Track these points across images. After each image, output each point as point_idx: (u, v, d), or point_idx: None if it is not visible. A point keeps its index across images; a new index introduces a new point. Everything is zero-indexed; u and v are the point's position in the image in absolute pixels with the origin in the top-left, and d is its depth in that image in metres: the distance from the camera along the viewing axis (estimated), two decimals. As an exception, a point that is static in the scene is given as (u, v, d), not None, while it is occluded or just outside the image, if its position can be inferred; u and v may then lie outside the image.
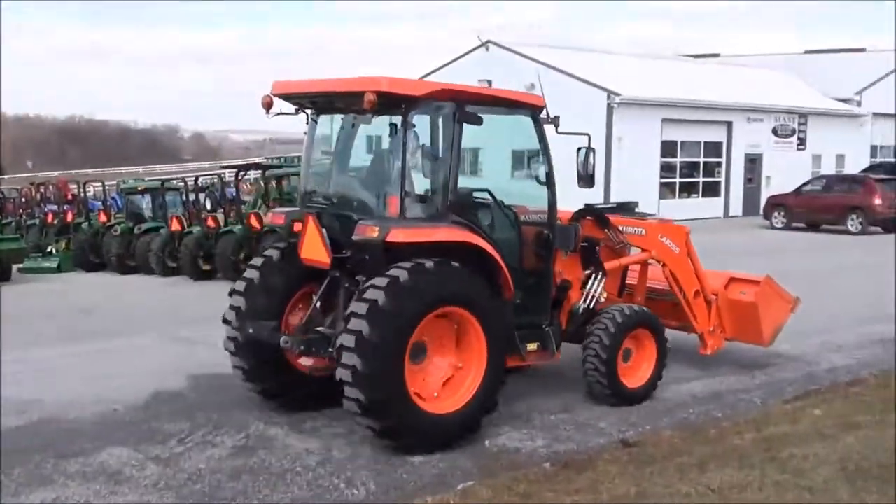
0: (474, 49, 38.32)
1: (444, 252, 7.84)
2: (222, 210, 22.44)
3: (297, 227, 8.64)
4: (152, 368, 10.90)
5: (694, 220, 33.83)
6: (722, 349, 10.80)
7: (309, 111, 8.76)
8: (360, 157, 8.93)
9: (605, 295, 9.74)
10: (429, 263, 7.68)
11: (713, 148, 37.56)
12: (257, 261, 8.85)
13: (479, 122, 8.17)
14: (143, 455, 7.84)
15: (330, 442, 8.19)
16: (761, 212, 34.45)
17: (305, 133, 8.93)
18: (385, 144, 8.33)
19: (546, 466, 7.50)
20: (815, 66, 47.69)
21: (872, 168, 39.03)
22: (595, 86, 33.10)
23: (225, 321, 8.79)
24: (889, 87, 44.90)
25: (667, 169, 35.52)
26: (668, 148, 35.42)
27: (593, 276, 9.68)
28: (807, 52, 54.96)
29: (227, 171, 31.24)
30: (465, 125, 7.99)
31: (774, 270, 11.89)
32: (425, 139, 8.20)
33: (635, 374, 9.58)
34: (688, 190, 36.62)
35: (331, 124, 8.84)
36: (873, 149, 45.47)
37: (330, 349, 7.91)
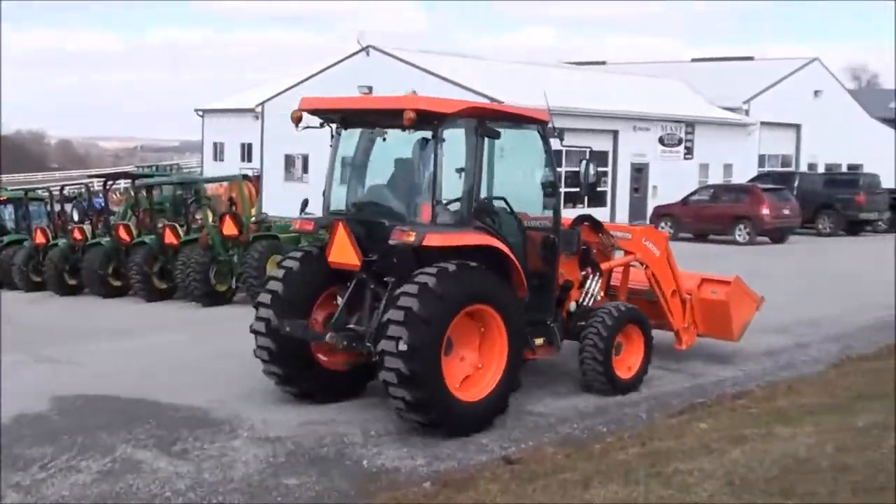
0: (355, 54, 38.29)
1: (467, 254, 9.12)
2: (90, 221, 21.88)
3: (300, 227, 10.20)
4: (14, 390, 10.67)
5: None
6: (693, 345, 12.24)
7: (334, 125, 9.95)
8: (385, 168, 10.08)
9: (601, 294, 11.31)
10: (452, 267, 8.89)
11: (599, 157, 38.40)
12: (278, 272, 9.99)
13: (497, 136, 9.67)
14: (3, 483, 7.65)
15: (201, 464, 8.13)
16: (648, 222, 35.38)
17: (331, 146, 10.08)
18: (404, 157, 9.76)
19: (426, 486, 7.56)
20: (703, 74, 49.37)
21: (760, 177, 40.63)
22: (477, 93, 33.34)
23: (254, 332, 9.88)
24: (777, 96, 46.83)
25: (553, 178, 36.13)
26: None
27: (591, 276, 11.16)
28: (694, 60, 56.81)
29: (95, 180, 30.34)
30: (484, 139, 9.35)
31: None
32: (451, 152, 9.25)
33: (625, 366, 10.95)
34: (573, 199, 37.15)
35: (354, 138, 10.06)
36: (761, 158, 47.36)
37: (368, 343, 9.16)
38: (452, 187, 9.36)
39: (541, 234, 10.44)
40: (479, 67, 38.77)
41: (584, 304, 11.04)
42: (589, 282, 11.16)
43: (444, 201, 9.41)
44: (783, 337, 14.43)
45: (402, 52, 37.14)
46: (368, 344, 9.15)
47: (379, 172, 10.21)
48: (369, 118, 9.88)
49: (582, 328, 10.74)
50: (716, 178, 42.94)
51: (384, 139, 10.11)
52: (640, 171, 39.78)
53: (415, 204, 9.65)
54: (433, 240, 8.98)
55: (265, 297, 9.92)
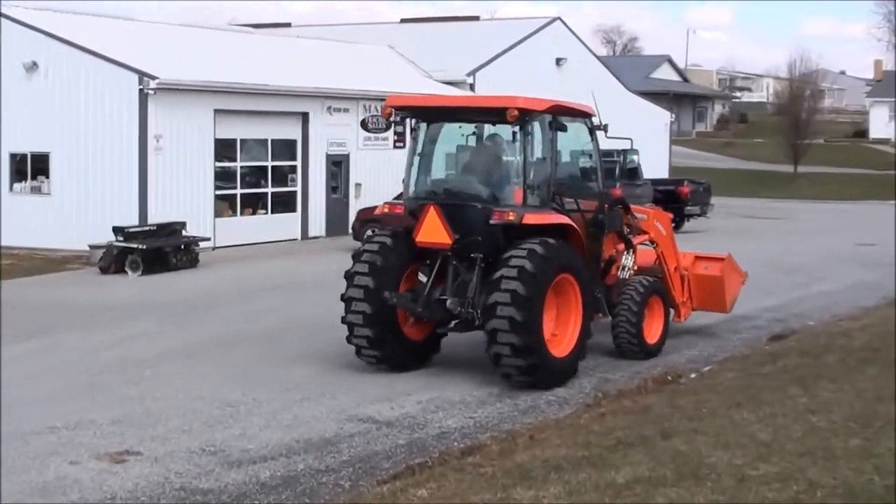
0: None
1: (544, 232, 14.72)
2: None
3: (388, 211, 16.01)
4: None
5: (264, 245, 34.45)
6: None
7: (416, 120, 16.27)
8: (467, 158, 16.19)
9: (635, 268, 16.97)
10: (539, 248, 14.34)
11: (285, 148, 38.35)
12: (372, 246, 15.38)
13: (565, 129, 15.57)
14: None
15: None
16: (350, 230, 35.61)
17: (413, 138, 16.29)
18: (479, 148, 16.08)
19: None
20: (416, 38, 50.12)
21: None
22: (122, 65, 32.33)
23: (350, 298, 15.21)
24: (509, 65, 48.78)
25: (224, 177, 35.56)
26: (225, 149, 35.56)
27: (626, 252, 16.89)
28: (404, 20, 57.51)
29: None
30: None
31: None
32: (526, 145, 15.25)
33: (650, 334, 16.63)
34: (252, 204, 36.92)
35: (427, 132, 16.18)
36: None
37: (469, 310, 14.95)
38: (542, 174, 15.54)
39: (591, 213, 16.03)
40: (129, 32, 37.68)
41: (622, 277, 16.75)
42: (624, 257, 16.84)
43: (533, 185, 15.25)
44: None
45: (15, 10, 35.34)
46: (470, 310, 14.92)
47: (462, 162, 16.27)
48: (462, 115, 16.34)
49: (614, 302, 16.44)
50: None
51: (475, 133, 16.02)
52: (338, 165, 40.05)
53: (506, 188, 15.42)
54: (531, 219, 14.72)
55: (362, 267, 15.19)
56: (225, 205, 35.33)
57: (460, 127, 16.10)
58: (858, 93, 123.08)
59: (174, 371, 15.61)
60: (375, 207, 34.78)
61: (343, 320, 15.34)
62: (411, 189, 15.93)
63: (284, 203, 37.93)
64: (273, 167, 37.68)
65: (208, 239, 31.49)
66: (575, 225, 15.32)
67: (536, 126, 15.38)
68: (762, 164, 77.83)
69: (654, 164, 52.25)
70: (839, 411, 10.58)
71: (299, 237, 37.81)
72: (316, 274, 25.86)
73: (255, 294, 23.38)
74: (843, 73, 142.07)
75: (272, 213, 37.40)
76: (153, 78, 31.76)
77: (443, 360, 15.98)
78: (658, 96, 77.63)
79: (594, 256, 16.04)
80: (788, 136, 72.82)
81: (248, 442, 11.70)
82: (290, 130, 38.21)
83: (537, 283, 14.23)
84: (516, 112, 14.64)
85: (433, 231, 15.05)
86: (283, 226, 37.32)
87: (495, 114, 15.24)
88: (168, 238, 28.84)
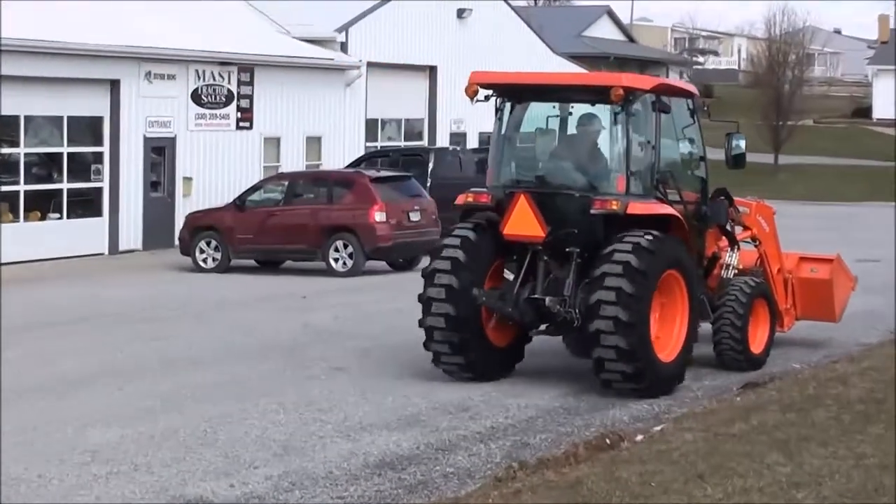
0: None
1: (645, 223, 17.17)
2: None
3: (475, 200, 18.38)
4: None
5: (58, 262, 33.94)
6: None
7: (501, 99, 18.61)
8: (560, 142, 18.95)
9: (740, 266, 19.62)
10: (644, 242, 16.77)
11: (87, 128, 37.81)
12: (454, 240, 17.81)
13: (668, 110, 18.00)
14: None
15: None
16: (177, 240, 35.59)
17: (498, 119, 18.62)
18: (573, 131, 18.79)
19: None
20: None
21: (369, 158, 42.40)
22: None
23: (430, 299, 17.68)
24: (392, 20, 48.75)
25: (2, 169, 35.02)
26: (3, 129, 34.95)
27: (729, 249, 19.50)
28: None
29: None
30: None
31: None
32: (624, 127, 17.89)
33: (754, 342, 19.12)
34: (41, 206, 36.26)
35: (524, 112, 18.86)
36: (371, 124, 49.23)
37: (568, 310, 17.28)
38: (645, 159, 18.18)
39: (692, 205, 18.72)
40: None
41: (725, 277, 19.40)
42: (728, 255, 19.49)
43: (636, 172, 17.83)
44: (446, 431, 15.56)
45: None
46: (569, 310, 17.31)
47: (556, 146, 18.98)
48: (557, 94, 18.97)
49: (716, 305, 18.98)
50: (295, 160, 43.98)
51: (570, 113, 18.71)
52: (160, 153, 39.66)
53: (608, 175, 18.01)
54: (636, 208, 17.22)
55: (443, 264, 17.63)
56: (3, 206, 34.80)
57: (554, 107, 18.85)
58: (858, 58, 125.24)
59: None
60: (212, 210, 35.24)
61: (421, 324, 18.05)
62: (496, 177, 18.78)
63: (86, 204, 37.54)
64: (70, 154, 37.25)
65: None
66: (681, 217, 18.06)
67: (639, 106, 18.07)
68: (732, 152, 78.45)
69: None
70: (832, 485, 10.69)
71: (107, 251, 37.38)
72: (125, 303, 25.65)
73: (42, 333, 23.16)
74: (837, 32, 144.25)
75: (69, 217, 36.91)
76: None
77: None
78: (595, 60, 78.58)
79: (698, 253, 18.82)
80: (766, 116, 73.85)
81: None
82: (93, 104, 37.78)
83: (644, 280, 16.92)
84: (621, 91, 17.36)
85: (523, 223, 17.63)
86: (85, 235, 36.85)
87: (595, 93, 18.14)
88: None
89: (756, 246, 20.33)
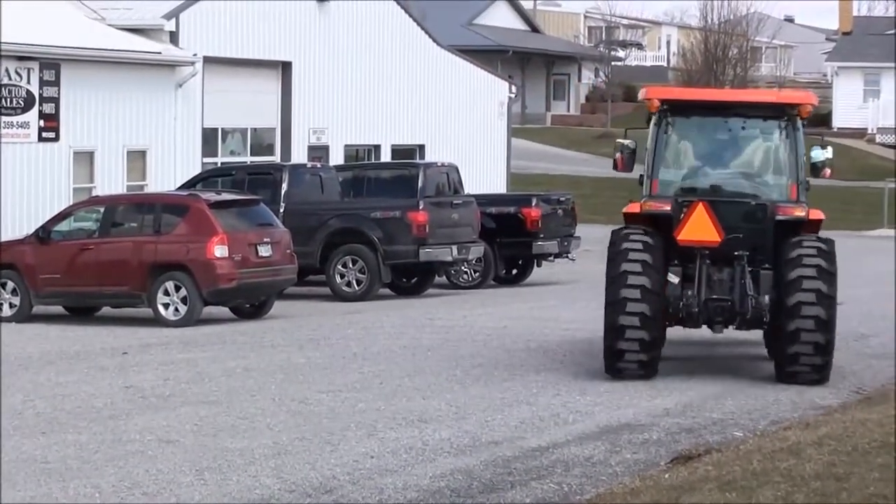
0: None
1: (807, 227, 24.97)
2: None
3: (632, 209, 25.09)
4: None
5: None
6: None
7: (666, 112, 25.28)
8: (729, 152, 25.96)
9: None
10: (822, 245, 23.85)
11: None
12: (635, 244, 23.51)
13: (805, 123, 25.71)
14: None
15: None
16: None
17: (664, 131, 25.16)
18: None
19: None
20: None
21: (203, 179, 42.39)
22: None
23: (625, 300, 23.22)
24: (229, 5, 48.76)
25: None
26: None
27: None
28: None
29: None
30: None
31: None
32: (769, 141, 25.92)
33: None
34: None
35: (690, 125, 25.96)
36: (210, 133, 49.37)
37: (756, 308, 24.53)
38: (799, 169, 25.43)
39: None
40: None
41: None
42: None
43: (800, 182, 25.16)
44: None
45: None
46: (759, 309, 24.02)
47: (728, 157, 25.72)
48: (731, 110, 25.53)
49: None
50: (113, 180, 43.77)
51: (743, 127, 25.32)
52: None
53: (783, 184, 24.94)
54: (816, 214, 24.51)
55: (633, 266, 23.19)
56: None
57: (726, 121, 25.42)
58: (814, 53, 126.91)
59: None
60: (8, 244, 34.92)
61: (612, 324, 23.39)
62: (665, 186, 25.00)
63: None
64: None
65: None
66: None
67: (798, 121, 25.00)
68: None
69: (484, 170, 53.22)
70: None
71: None
72: None
73: None
74: (789, 20, 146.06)
75: None
76: None
77: None
78: (489, 55, 78.95)
79: None
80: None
81: None
82: None
83: (834, 280, 23.47)
84: (810, 108, 25.26)
85: (700, 229, 23.54)
86: None
87: (775, 109, 25.42)
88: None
89: None
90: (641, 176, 25.54)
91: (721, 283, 24.27)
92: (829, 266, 23.48)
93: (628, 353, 23.63)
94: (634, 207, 24.56)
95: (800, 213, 24.39)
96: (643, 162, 25.87)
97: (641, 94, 26.24)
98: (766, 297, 24.11)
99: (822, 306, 23.22)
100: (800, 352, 23.36)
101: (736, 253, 23.93)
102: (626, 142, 26.87)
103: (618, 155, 26.82)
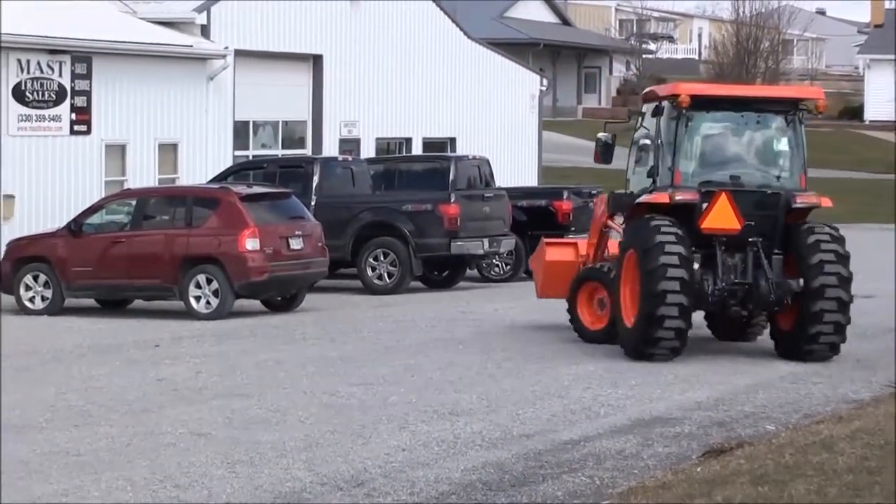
0: None
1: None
2: None
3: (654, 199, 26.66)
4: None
5: None
6: None
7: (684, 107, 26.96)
8: (744, 145, 28.05)
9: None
10: (836, 232, 26.08)
11: None
12: (668, 237, 25.13)
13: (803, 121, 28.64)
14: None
15: None
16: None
17: (683, 125, 26.70)
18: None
19: None
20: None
21: (239, 170, 42.00)
22: None
23: (665, 291, 24.95)
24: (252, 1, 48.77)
25: None
26: None
27: None
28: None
29: None
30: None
31: None
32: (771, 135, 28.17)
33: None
34: None
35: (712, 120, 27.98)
36: (240, 127, 48.79)
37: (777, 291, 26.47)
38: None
39: None
40: None
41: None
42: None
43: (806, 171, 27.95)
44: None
45: None
46: (779, 292, 25.73)
47: (743, 149, 27.69)
48: (752, 105, 27.72)
49: None
50: (145, 173, 43.77)
51: (758, 121, 27.30)
52: None
53: (796, 174, 27.12)
54: (826, 202, 26.73)
55: (671, 259, 24.76)
56: None
57: (742, 115, 27.24)
58: (847, 46, 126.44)
59: None
60: (40, 237, 34.95)
61: (650, 314, 25.04)
62: (687, 177, 26.57)
63: None
64: None
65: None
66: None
67: (804, 115, 27.35)
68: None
69: (515, 163, 53.08)
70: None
71: None
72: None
73: None
74: (821, 13, 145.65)
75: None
76: None
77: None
78: (520, 48, 78.71)
79: None
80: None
81: None
82: None
83: (849, 263, 25.48)
84: (824, 102, 28.09)
85: (723, 217, 25.46)
86: None
87: (791, 104, 27.42)
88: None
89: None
90: (652, 167, 26.92)
91: (735, 267, 25.89)
92: (844, 251, 25.46)
93: (664, 340, 25.27)
94: (662, 197, 25.93)
95: (814, 200, 26.51)
96: (622, 155, 28.46)
97: (666, 90, 27.85)
98: (793, 281, 25.54)
99: (842, 289, 25.13)
100: (821, 331, 25.17)
101: (750, 239, 25.71)
102: (604, 136, 29.08)
103: (596, 148, 29.17)
